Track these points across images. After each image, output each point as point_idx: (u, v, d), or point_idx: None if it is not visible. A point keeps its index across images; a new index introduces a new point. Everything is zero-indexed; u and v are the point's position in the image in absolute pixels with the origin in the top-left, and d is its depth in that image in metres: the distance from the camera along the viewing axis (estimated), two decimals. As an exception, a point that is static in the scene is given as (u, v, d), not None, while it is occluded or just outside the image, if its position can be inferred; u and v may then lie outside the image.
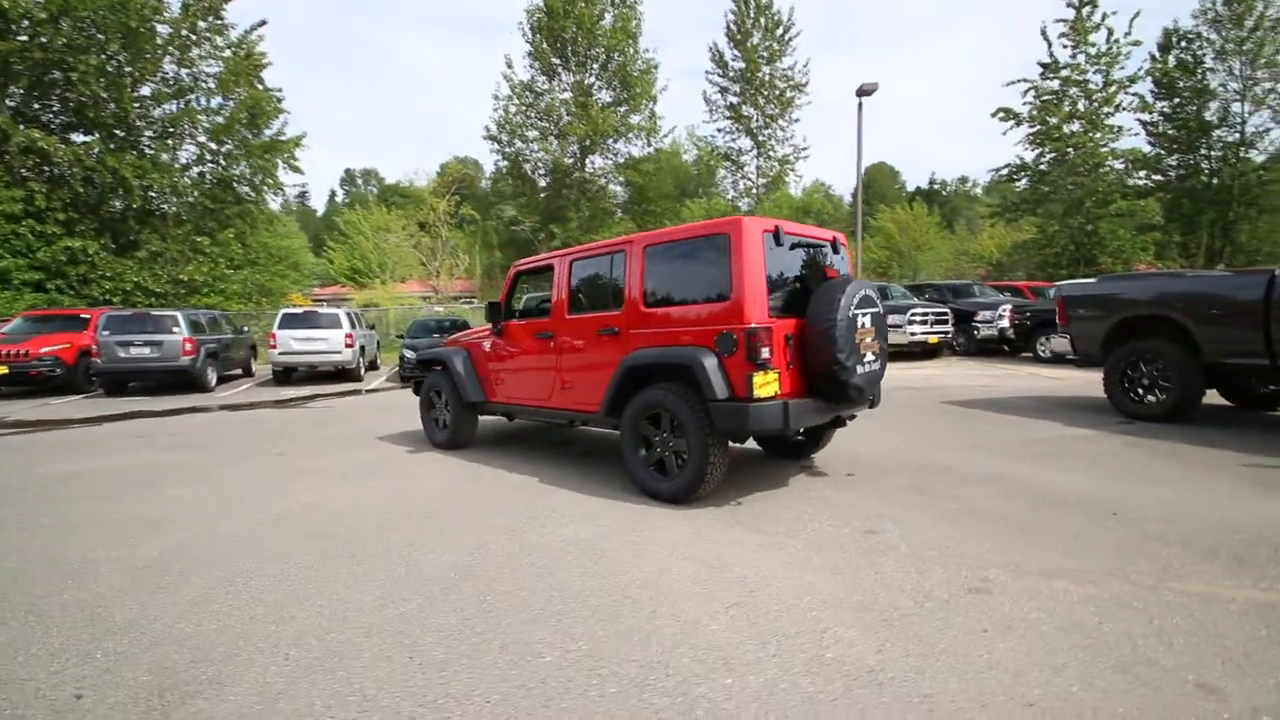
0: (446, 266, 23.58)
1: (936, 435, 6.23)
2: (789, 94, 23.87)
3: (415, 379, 6.78)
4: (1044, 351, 13.12)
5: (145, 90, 19.58)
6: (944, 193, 76.41)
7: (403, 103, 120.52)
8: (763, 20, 23.83)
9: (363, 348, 13.99)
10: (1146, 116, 26.08)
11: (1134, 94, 25.28)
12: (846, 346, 3.91)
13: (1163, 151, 26.34)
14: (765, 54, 23.87)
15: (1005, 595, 2.75)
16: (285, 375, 13.37)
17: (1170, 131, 25.94)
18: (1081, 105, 24.84)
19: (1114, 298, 6.93)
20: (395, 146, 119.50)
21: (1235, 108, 24.44)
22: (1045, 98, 25.23)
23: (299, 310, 13.51)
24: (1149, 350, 6.56)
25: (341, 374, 13.77)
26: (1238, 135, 24.68)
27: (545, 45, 23.66)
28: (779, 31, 23.71)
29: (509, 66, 23.62)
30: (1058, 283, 12.44)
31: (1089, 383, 9.36)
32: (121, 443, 7.17)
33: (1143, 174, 26.84)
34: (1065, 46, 24.46)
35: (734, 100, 24.44)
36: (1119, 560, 3.09)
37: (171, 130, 20.01)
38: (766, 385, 3.78)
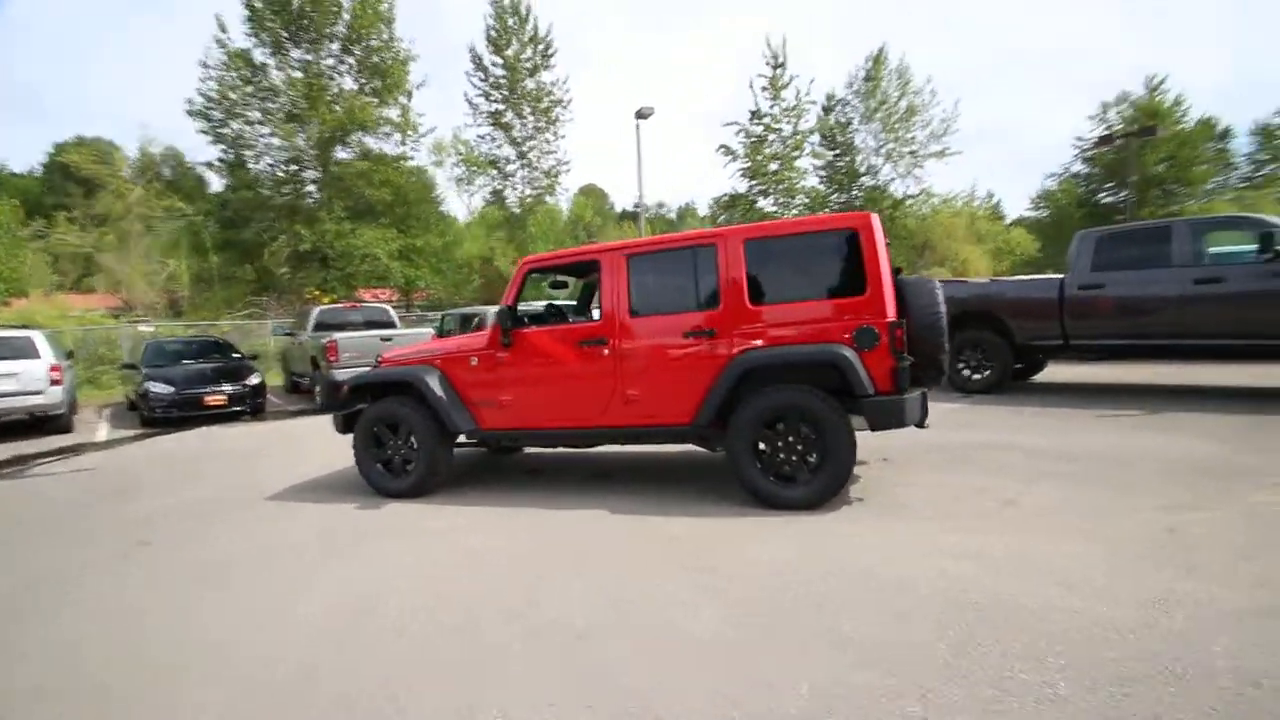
0: (142, 272, 17.69)
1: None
2: (554, 110, 24.14)
3: (346, 411, 5.12)
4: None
5: None
6: (644, 214, 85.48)
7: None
8: (524, 31, 23.66)
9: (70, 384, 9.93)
10: (820, 162, 33.00)
11: (811, 143, 31.89)
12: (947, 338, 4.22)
13: (830, 190, 33.55)
14: (529, 66, 23.75)
15: (1192, 530, 3.28)
16: (-74, 434, 8.76)
17: (834, 175, 33.24)
18: (778, 148, 30.34)
19: (947, 299, 8.68)
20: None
21: (875, 160, 32.36)
22: (753, 140, 30.15)
23: (-45, 334, 8.98)
24: (975, 339, 8.37)
25: (32, 424, 9.51)
26: (875, 181, 32.76)
27: (269, 13, 19.83)
28: (540, 46, 23.83)
29: (223, 30, 19.17)
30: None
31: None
32: None
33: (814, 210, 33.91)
34: (767, 99, 29.57)
35: (498, 107, 23.77)
36: (1190, 490, 3.91)
37: None
38: (906, 378, 3.86)
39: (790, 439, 3.96)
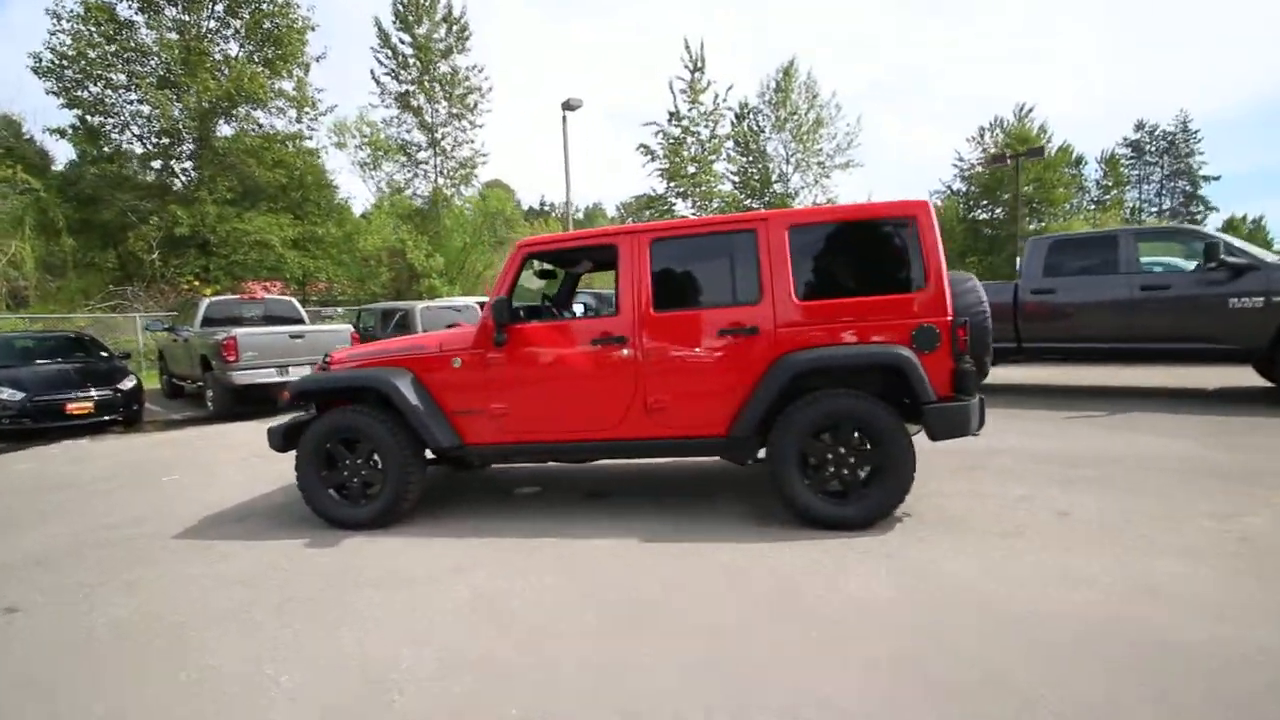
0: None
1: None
2: (470, 97, 22.73)
3: (289, 425, 4.12)
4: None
5: None
6: (553, 213, 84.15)
7: None
8: (435, 9, 22.11)
9: None
10: (734, 167, 33.56)
11: (727, 149, 32.36)
12: (990, 337, 3.96)
13: (745, 196, 34.23)
14: (441, 48, 22.23)
15: (1258, 540, 3.17)
16: None
17: (747, 181, 33.93)
18: (696, 151, 30.50)
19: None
20: None
21: (785, 168, 33.33)
22: (671, 141, 30.13)
23: None
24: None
25: None
26: (786, 189, 33.78)
27: (136, -38, 17.22)
28: (455, 28, 22.38)
29: (78, -25, 16.36)
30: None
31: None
32: None
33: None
34: (685, 102, 29.63)
35: (408, 89, 22.06)
36: (1216, 494, 3.86)
37: None
38: (970, 381, 3.55)
39: (842, 450, 3.54)
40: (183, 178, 18.51)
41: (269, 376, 9.02)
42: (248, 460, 6.26)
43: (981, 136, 41.04)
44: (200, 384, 9.84)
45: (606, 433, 3.82)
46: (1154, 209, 58.47)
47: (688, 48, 29.27)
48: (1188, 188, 57.86)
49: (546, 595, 2.93)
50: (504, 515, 4.15)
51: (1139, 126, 58.53)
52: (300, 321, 10.60)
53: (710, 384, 3.68)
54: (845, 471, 3.55)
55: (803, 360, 3.51)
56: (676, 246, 3.81)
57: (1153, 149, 59.24)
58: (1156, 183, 59.60)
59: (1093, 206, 49.66)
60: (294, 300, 11.21)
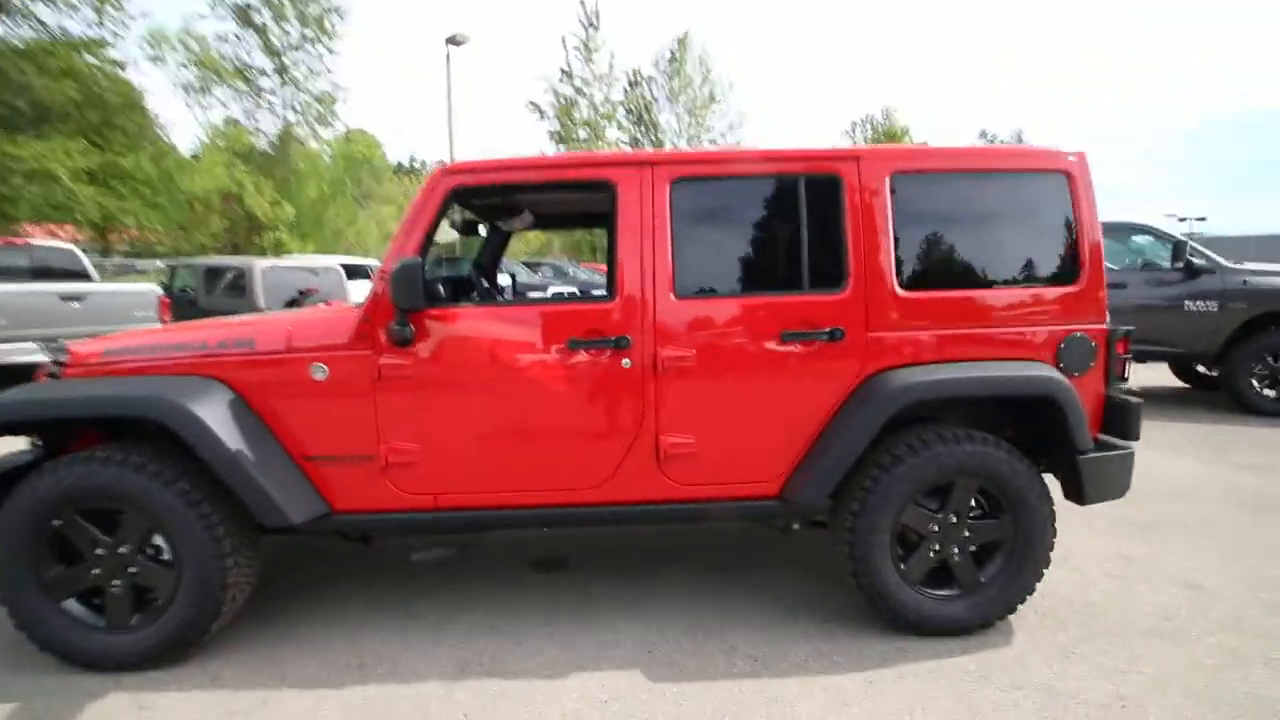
0: None
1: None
2: (326, 20, 19.12)
3: None
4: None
5: None
6: (423, 171, 77.84)
7: None
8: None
9: None
10: (625, 137, 32.10)
11: (620, 117, 30.83)
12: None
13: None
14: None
15: None
16: None
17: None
18: (589, 115, 28.71)
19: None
20: None
21: (678, 143, 32.36)
22: (563, 102, 28.11)
23: None
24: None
25: None
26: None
27: None
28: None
29: None
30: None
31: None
32: None
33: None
34: (580, 60, 27.65)
35: (251, 0, 18.07)
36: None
37: None
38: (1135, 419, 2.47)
39: (954, 520, 2.33)
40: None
41: (25, 354, 6.45)
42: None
43: (853, 131, 42.91)
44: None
45: (589, 493, 2.31)
46: (991, 211, 65.10)
47: (583, 3, 27.27)
48: (1019, 194, 64.83)
49: None
50: (399, 618, 2.53)
51: (982, 135, 64.41)
52: (83, 277, 7.82)
53: (762, 417, 2.30)
54: (956, 552, 2.34)
55: (914, 385, 2.22)
56: (714, 191, 2.34)
57: (993, 157, 65.55)
58: (994, 187, 66.26)
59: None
60: (75, 249, 8.28)
